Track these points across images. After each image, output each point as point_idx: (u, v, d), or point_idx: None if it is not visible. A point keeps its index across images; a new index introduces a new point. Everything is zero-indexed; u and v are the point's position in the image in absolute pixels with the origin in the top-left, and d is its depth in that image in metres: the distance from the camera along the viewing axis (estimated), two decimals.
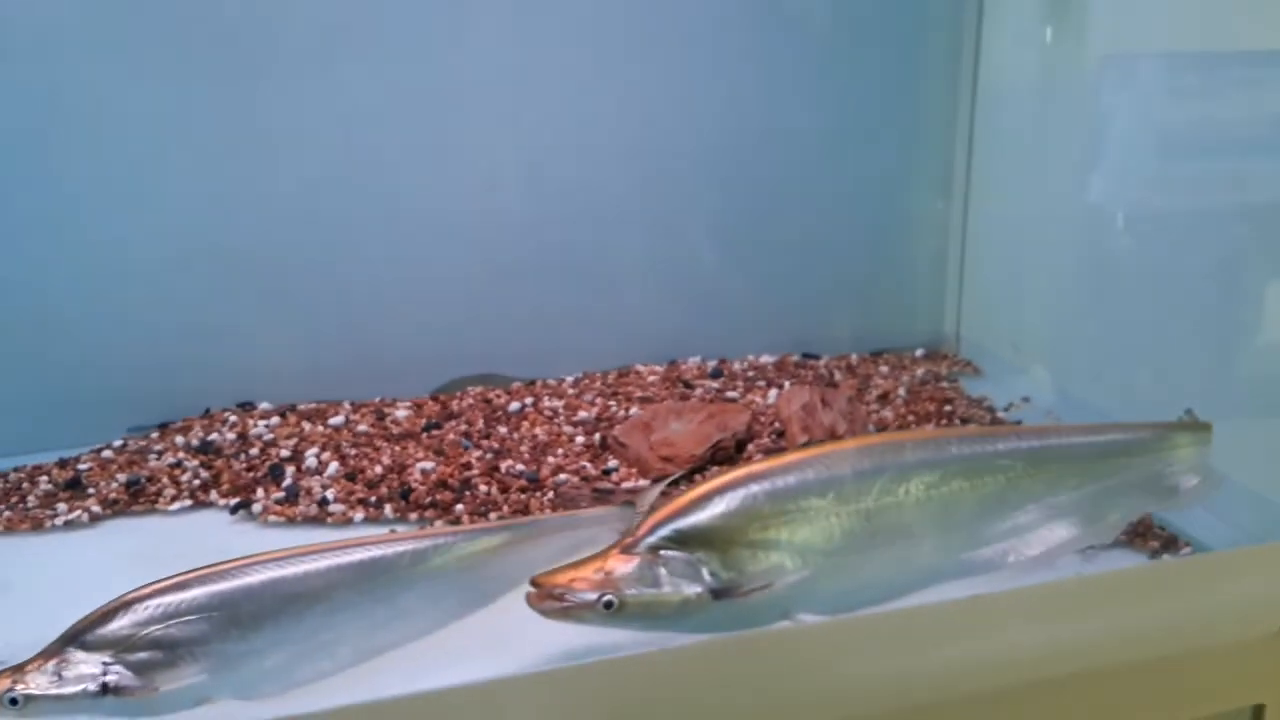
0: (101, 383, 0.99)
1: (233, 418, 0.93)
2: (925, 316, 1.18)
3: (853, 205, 1.14)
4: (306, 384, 1.03)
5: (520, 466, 0.80)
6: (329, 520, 0.75)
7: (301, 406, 0.95)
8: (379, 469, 0.80)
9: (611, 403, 0.92)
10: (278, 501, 0.77)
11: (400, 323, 1.08)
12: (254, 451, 0.85)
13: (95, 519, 0.79)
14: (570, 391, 0.97)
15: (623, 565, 0.52)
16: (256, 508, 0.77)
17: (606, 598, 0.50)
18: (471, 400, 0.96)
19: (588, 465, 0.80)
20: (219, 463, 0.84)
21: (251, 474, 0.82)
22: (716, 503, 0.53)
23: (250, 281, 1.02)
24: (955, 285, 1.16)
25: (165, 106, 0.95)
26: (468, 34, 1.03)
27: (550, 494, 0.75)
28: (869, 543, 0.54)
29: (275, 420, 0.90)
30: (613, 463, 0.80)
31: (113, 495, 0.81)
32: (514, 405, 0.92)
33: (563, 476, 0.77)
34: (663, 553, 0.52)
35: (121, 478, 0.83)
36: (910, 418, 0.88)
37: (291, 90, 0.99)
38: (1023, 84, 1.05)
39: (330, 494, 0.77)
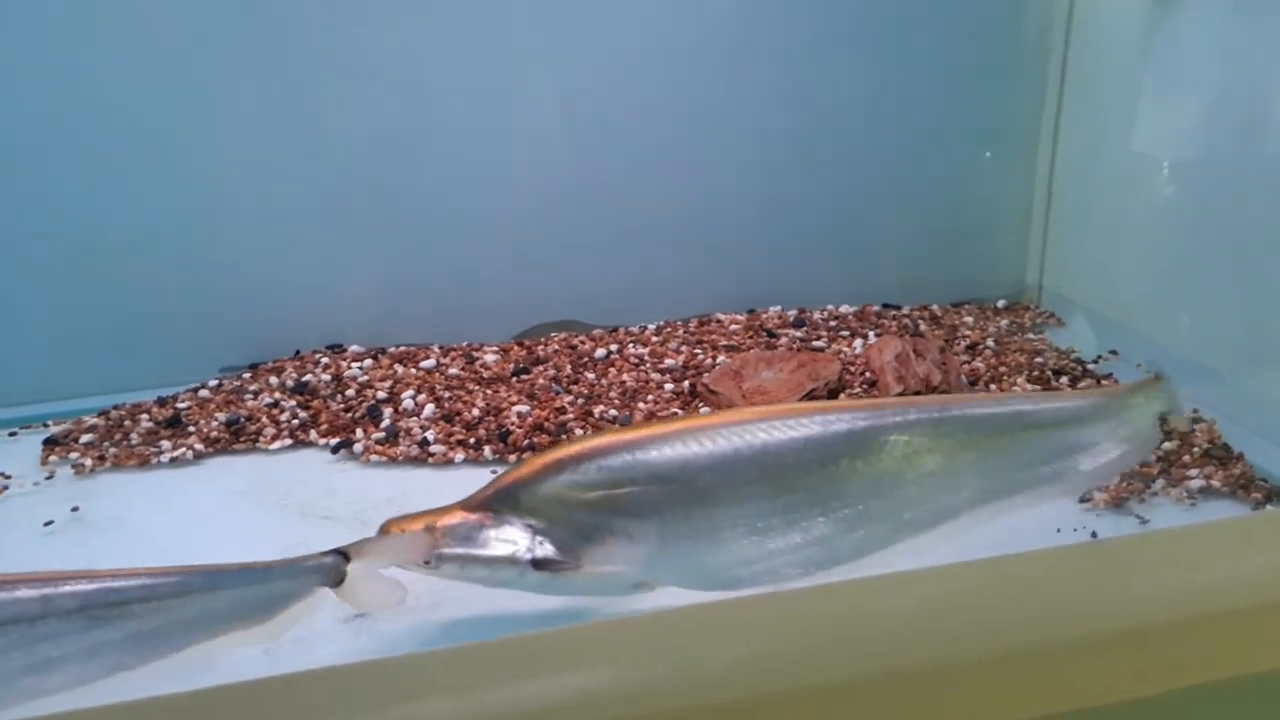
0: (194, 324, 1.01)
1: (324, 359, 0.94)
2: (1007, 267, 1.16)
3: (934, 154, 1.12)
4: (391, 327, 1.05)
5: (613, 412, 0.80)
6: (430, 460, 0.76)
7: (391, 349, 0.96)
8: (475, 411, 0.81)
9: (697, 350, 0.92)
10: (378, 441, 0.79)
11: (482, 269, 1.08)
12: (350, 393, 0.86)
13: (199, 456, 0.81)
14: (654, 339, 0.97)
15: (455, 521, 0.53)
16: (358, 447, 0.79)
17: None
18: (556, 346, 0.96)
19: (679, 412, 0.81)
20: (316, 403, 0.86)
21: (349, 414, 0.83)
22: (561, 472, 0.52)
23: (338, 227, 1.03)
24: (1039, 236, 1.14)
25: (265, 58, 0.96)
26: None
27: None
28: (718, 522, 0.52)
29: (368, 363, 0.91)
30: (704, 409, 0.81)
31: (214, 433, 0.83)
32: (600, 352, 0.93)
33: None
34: (499, 515, 0.53)
35: (221, 416, 0.85)
36: (1002, 369, 0.87)
37: (385, 41, 0.99)
38: (1120, 30, 1.02)
39: (430, 435, 0.78)
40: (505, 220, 1.09)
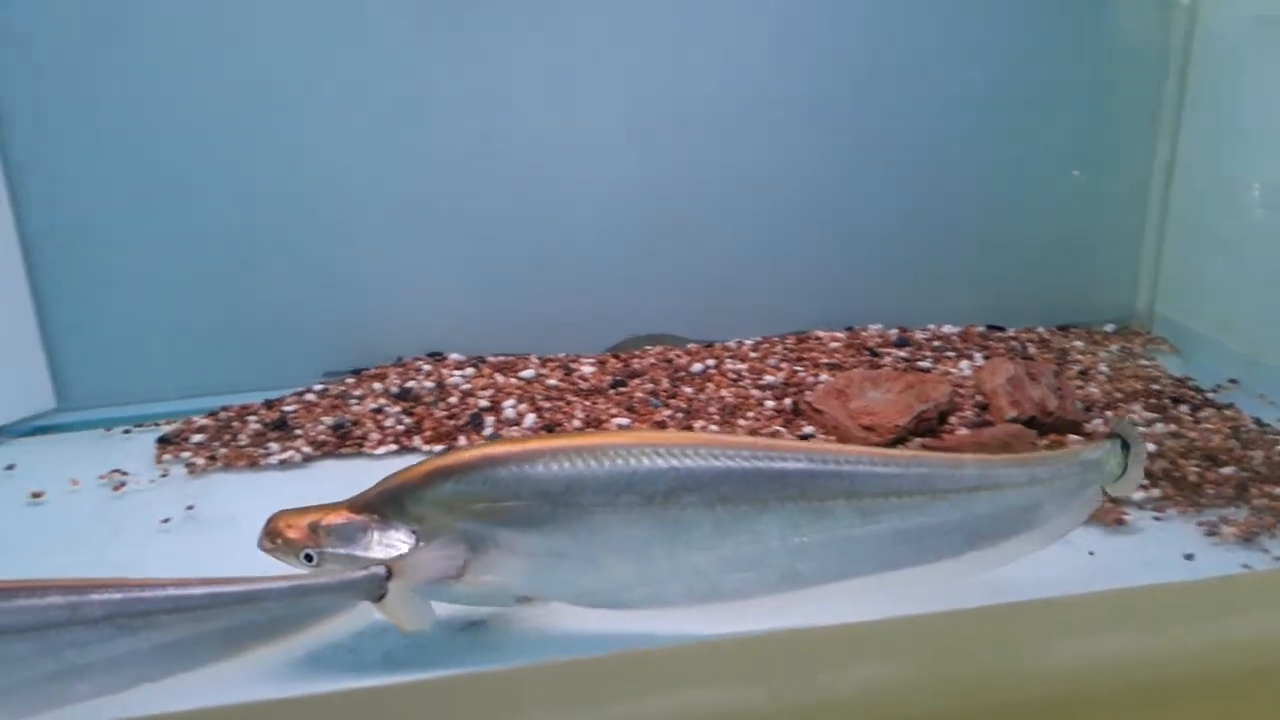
0: (299, 329, 1.03)
1: (426, 366, 0.95)
2: (1115, 291, 1.12)
3: (1042, 174, 1.09)
4: (488, 337, 1.06)
5: (714, 427, 0.80)
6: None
7: (490, 358, 0.97)
8: (576, 422, 0.81)
9: (798, 368, 0.91)
10: None
11: (577, 281, 1.09)
12: (453, 400, 0.87)
13: (307, 459, 0.82)
14: (752, 355, 0.96)
15: (339, 521, 0.53)
16: None
17: (306, 551, 0.52)
18: (653, 360, 0.96)
19: (782, 430, 0.80)
20: (419, 409, 0.87)
21: (452, 421, 0.84)
22: (449, 479, 0.52)
23: (438, 237, 1.05)
24: (1152, 259, 1.10)
25: (364, 63, 0.98)
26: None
27: None
28: (600, 546, 0.52)
29: (469, 371, 0.92)
30: (808, 428, 0.79)
31: (320, 437, 0.84)
32: (696, 366, 0.92)
33: None
34: (384, 518, 0.52)
35: (327, 420, 0.86)
36: (1117, 395, 0.84)
37: (480, 53, 1.01)
38: (1244, 48, 0.98)
39: None
40: (600, 232, 1.09)
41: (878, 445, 0.74)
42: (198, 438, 0.86)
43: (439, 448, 0.81)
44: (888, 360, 0.93)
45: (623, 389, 0.89)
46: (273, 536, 0.54)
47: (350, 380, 0.96)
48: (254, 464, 0.81)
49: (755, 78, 1.05)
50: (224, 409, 0.92)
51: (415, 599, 0.51)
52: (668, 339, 1.05)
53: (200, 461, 0.82)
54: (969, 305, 1.10)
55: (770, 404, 0.84)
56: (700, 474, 0.51)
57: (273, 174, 0.99)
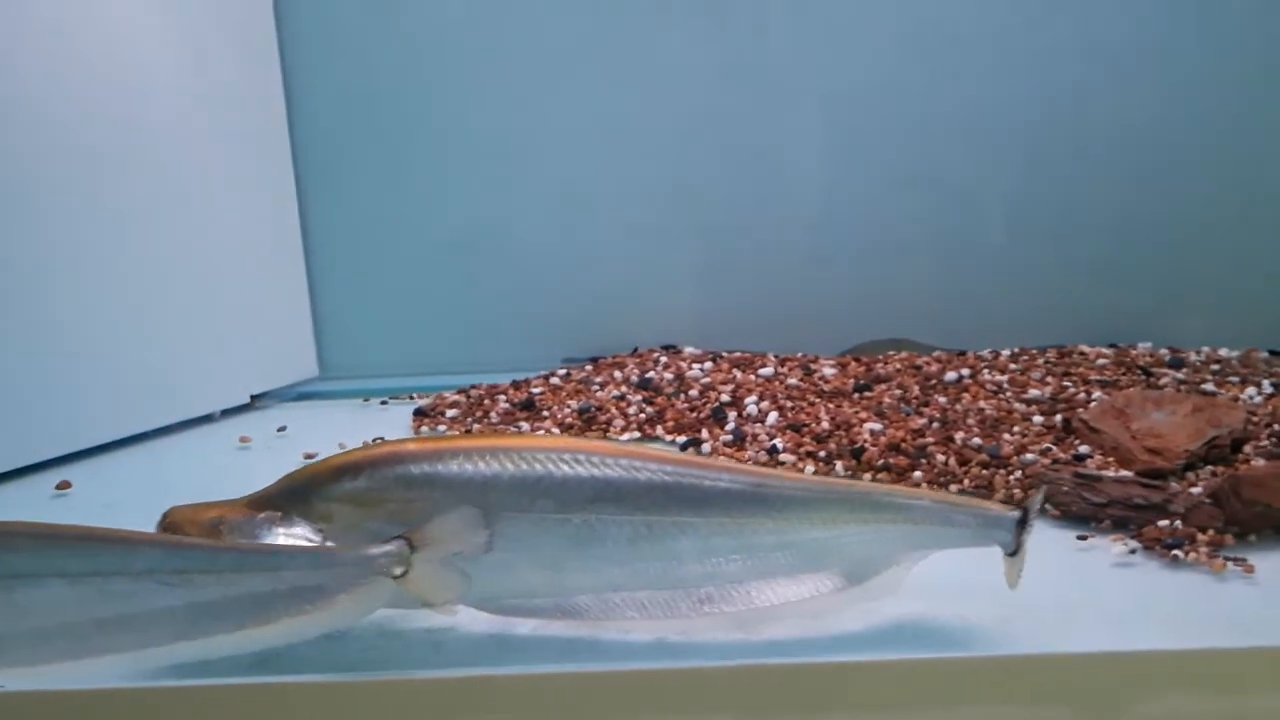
0: (542, 316, 1.06)
1: (663, 358, 0.95)
2: None
3: None
4: (721, 332, 1.05)
5: (977, 440, 0.75)
6: (779, 468, 0.75)
7: (726, 353, 0.96)
8: (824, 425, 0.78)
9: (1066, 383, 0.85)
10: (726, 444, 0.78)
11: (815, 281, 1.07)
12: (693, 393, 0.87)
13: None
14: (1012, 367, 0.90)
15: (239, 518, 0.50)
16: (705, 447, 0.78)
17: None
18: (898, 365, 0.92)
19: (1052, 448, 0.74)
20: (659, 399, 0.87)
21: (694, 414, 0.84)
22: (354, 475, 0.50)
23: (678, 234, 1.05)
24: None
25: (617, 64, 1.00)
26: (873, 33, 0.99)
27: (1017, 473, 0.70)
28: (513, 552, 0.49)
29: (708, 365, 0.92)
30: (1083, 448, 0.73)
31: (567, 419, 0.86)
32: (950, 375, 0.87)
33: (1029, 457, 0.72)
34: (288, 514, 0.50)
35: (573, 404, 0.87)
36: None
37: (735, 59, 1.01)
38: None
39: (779, 443, 0.76)
40: (840, 233, 1.07)
41: (1165, 469, 0.68)
42: (451, 412, 0.89)
43: (682, 439, 0.81)
44: (1164, 381, 0.85)
45: (868, 393, 0.85)
46: (170, 532, 0.51)
47: (589, 367, 0.98)
48: (601, 438, 0.83)
49: (1029, 90, 1.00)
50: (473, 387, 0.96)
51: (443, 571, 0.49)
52: (909, 344, 1.01)
53: (456, 434, 0.85)
54: (1250, 328, 1.00)
55: (1038, 419, 0.79)
56: (621, 486, 0.50)
57: (523, 171, 1.02)
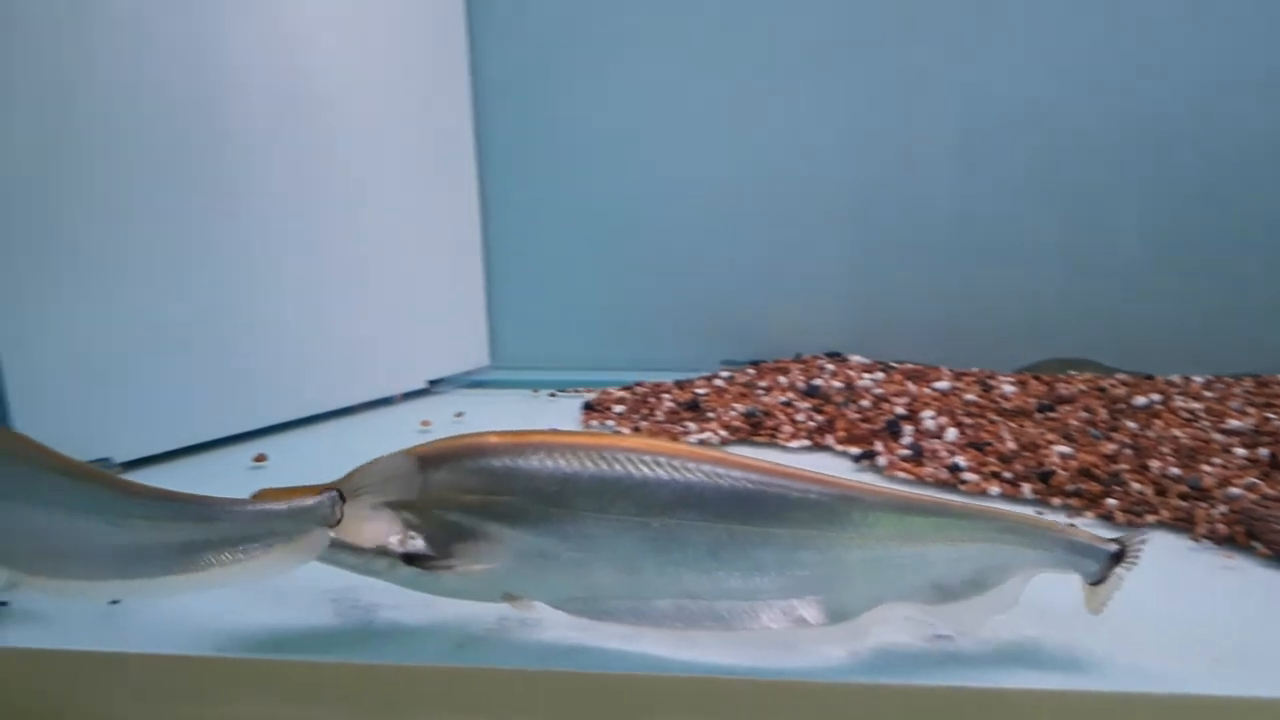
0: (701, 317, 1.07)
1: (829, 366, 0.94)
2: None
3: None
4: (884, 341, 1.03)
5: (1175, 469, 0.71)
6: (961, 487, 0.73)
7: (897, 365, 0.94)
8: (1010, 445, 0.76)
9: (1269, 414, 0.80)
10: (903, 458, 0.77)
11: (993, 296, 1.04)
12: (864, 403, 0.85)
13: (724, 442, 0.84)
14: (1207, 394, 0.85)
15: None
16: (881, 460, 0.77)
17: None
18: (1082, 386, 0.88)
19: (1258, 482, 0.70)
20: (828, 408, 0.86)
21: (867, 425, 0.82)
22: (437, 466, 0.50)
23: (845, 239, 1.04)
24: None
25: (780, 72, 0.99)
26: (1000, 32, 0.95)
27: (1221, 508, 0.66)
28: (590, 551, 0.49)
29: (879, 375, 0.90)
30: None
31: (734, 422, 0.86)
32: (1139, 400, 0.83)
33: (1234, 490, 0.68)
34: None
35: (739, 408, 0.87)
36: None
37: (896, 67, 0.99)
38: None
39: (962, 461, 0.74)
40: (1019, 250, 1.03)
41: None
42: (618, 408, 0.91)
43: (855, 450, 0.80)
44: None
45: (1052, 414, 0.82)
46: None
47: (751, 370, 0.97)
48: (675, 440, 0.84)
49: (1182, 95, 0.94)
50: (638, 384, 0.97)
51: (373, 519, 0.51)
52: (1090, 365, 0.97)
53: (625, 430, 0.86)
54: None
55: (1240, 451, 0.74)
56: (703, 491, 0.49)
57: (691, 173, 1.03)
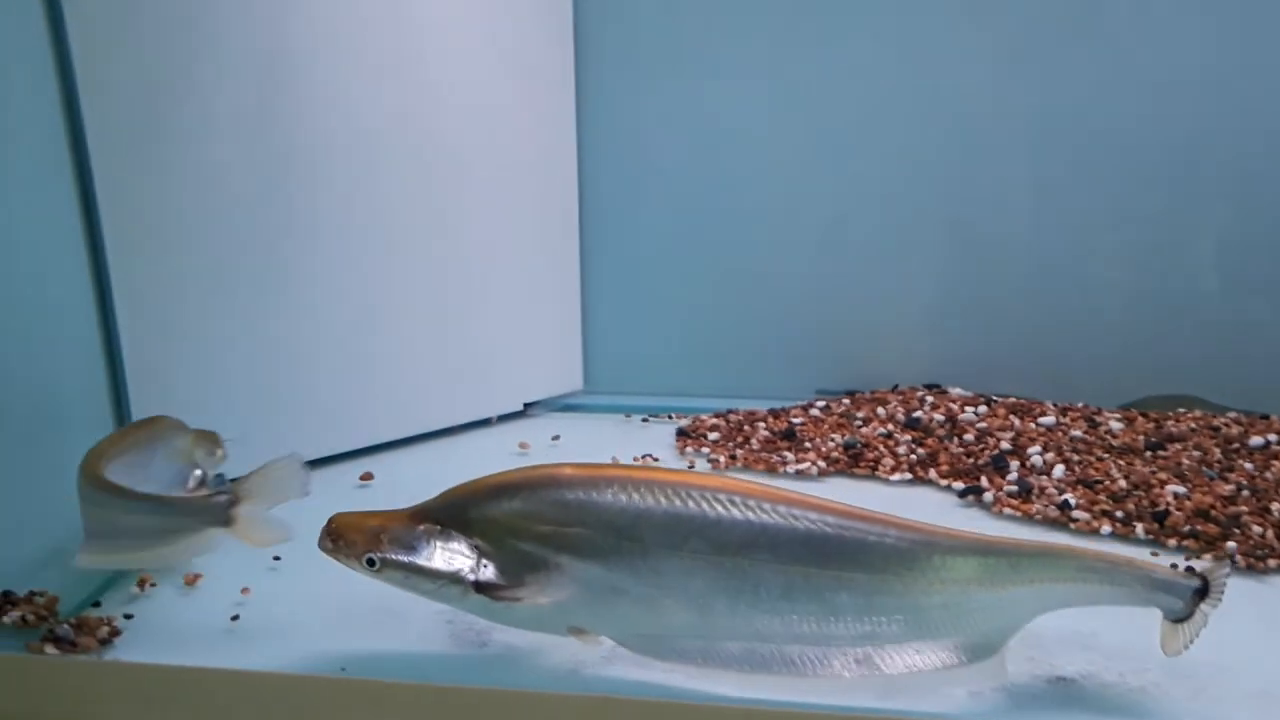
0: (796, 345, 1.06)
1: (928, 398, 0.93)
2: None
3: None
4: (986, 374, 1.01)
5: None
6: (1072, 526, 0.71)
7: (999, 398, 0.93)
8: (1121, 483, 0.74)
9: None
10: (1010, 494, 0.76)
11: (1091, 326, 1.01)
12: (968, 437, 0.84)
13: (822, 474, 0.83)
14: None
15: (400, 528, 0.52)
16: (988, 496, 0.76)
17: (369, 555, 0.51)
18: (1191, 424, 0.86)
19: None
20: (930, 441, 0.85)
21: (971, 460, 0.81)
22: (512, 496, 0.51)
23: (944, 267, 1.03)
24: None
25: (892, 91, 0.99)
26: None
27: None
28: (661, 589, 0.50)
29: (982, 409, 0.89)
30: None
31: (832, 454, 0.85)
32: (1255, 440, 0.81)
33: None
34: (444, 528, 0.51)
35: (838, 438, 0.87)
36: None
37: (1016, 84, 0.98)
38: None
39: (1071, 499, 0.73)
40: (1124, 278, 1.01)
41: None
42: (713, 435, 0.91)
43: (958, 485, 0.79)
44: None
45: (1162, 453, 0.80)
46: (334, 538, 0.53)
47: (847, 401, 0.97)
48: (772, 470, 0.84)
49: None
50: (731, 412, 0.97)
51: (264, 522, 0.55)
52: (1199, 402, 0.94)
53: (721, 459, 0.86)
54: None
55: None
56: (777, 533, 0.49)
57: (787, 201, 1.03)
